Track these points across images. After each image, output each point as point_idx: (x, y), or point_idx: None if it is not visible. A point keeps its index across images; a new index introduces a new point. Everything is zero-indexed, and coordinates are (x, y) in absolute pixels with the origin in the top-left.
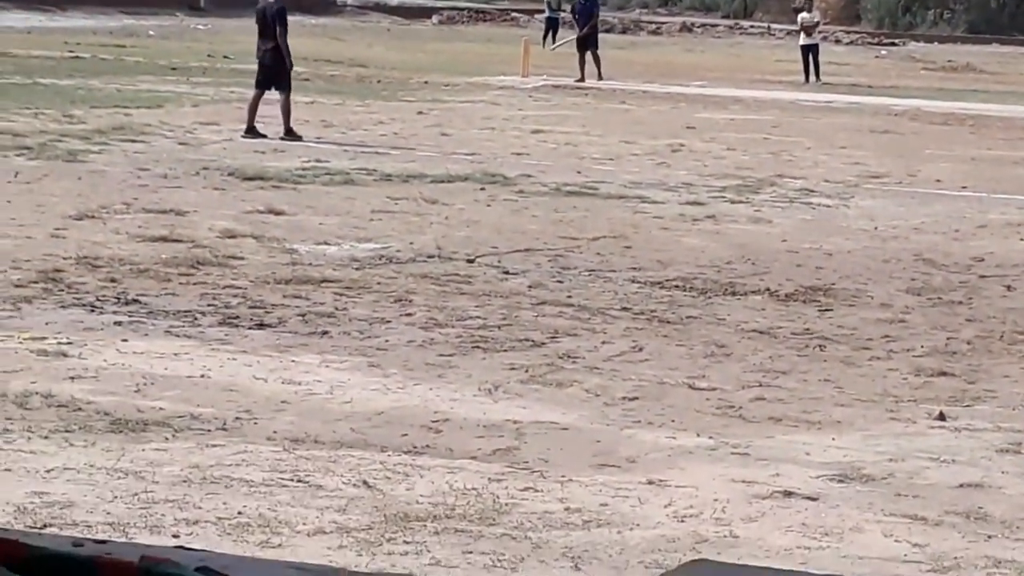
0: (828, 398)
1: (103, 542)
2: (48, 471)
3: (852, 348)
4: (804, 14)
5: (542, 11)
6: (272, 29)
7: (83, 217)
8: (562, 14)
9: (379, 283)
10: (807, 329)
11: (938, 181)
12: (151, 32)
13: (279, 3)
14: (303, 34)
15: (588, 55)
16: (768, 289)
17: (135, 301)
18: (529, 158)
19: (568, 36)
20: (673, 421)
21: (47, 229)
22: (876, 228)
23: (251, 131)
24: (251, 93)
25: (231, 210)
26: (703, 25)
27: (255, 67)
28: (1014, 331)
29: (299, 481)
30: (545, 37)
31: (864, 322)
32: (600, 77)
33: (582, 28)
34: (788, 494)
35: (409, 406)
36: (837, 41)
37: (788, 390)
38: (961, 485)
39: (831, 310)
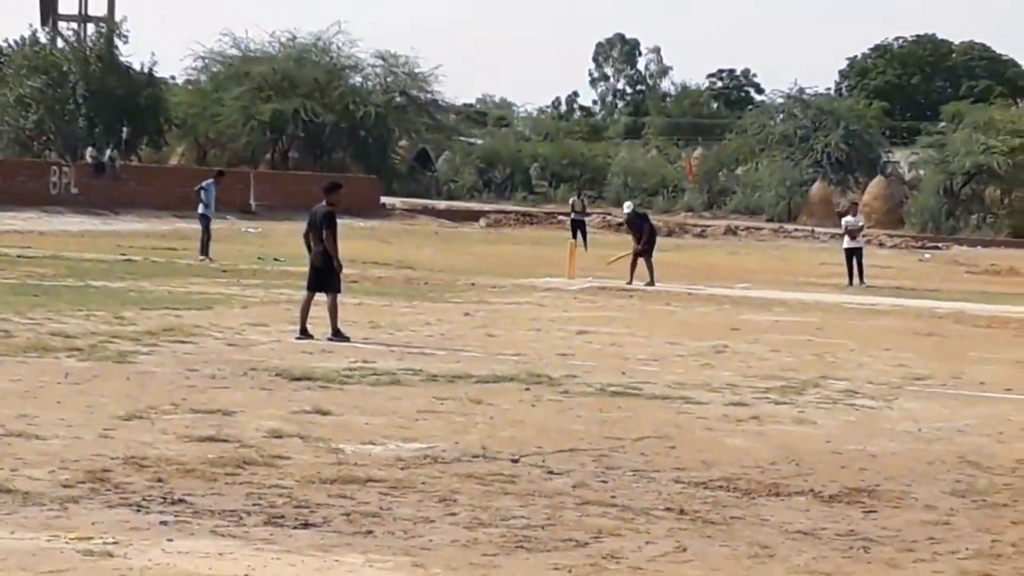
0: None
1: None
2: None
3: (896, 550)
4: (848, 218)
5: (567, 214)
6: (321, 232)
7: (131, 417)
8: (587, 217)
9: (424, 483)
10: (851, 530)
11: (982, 383)
12: None
13: (327, 207)
14: (352, 236)
15: (640, 260)
16: (812, 490)
17: (181, 501)
18: (574, 359)
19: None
20: None
21: (96, 429)
22: (920, 430)
23: (304, 333)
24: (300, 295)
25: (278, 410)
26: (748, 228)
27: (305, 269)
28: None
29: None
30: (574, 237)
31: (908, 524)
32: (652, 283)
33: (637, 242)
34: None
35: None
36: (881, 244)
37: None
38: None
39: (875, 511)
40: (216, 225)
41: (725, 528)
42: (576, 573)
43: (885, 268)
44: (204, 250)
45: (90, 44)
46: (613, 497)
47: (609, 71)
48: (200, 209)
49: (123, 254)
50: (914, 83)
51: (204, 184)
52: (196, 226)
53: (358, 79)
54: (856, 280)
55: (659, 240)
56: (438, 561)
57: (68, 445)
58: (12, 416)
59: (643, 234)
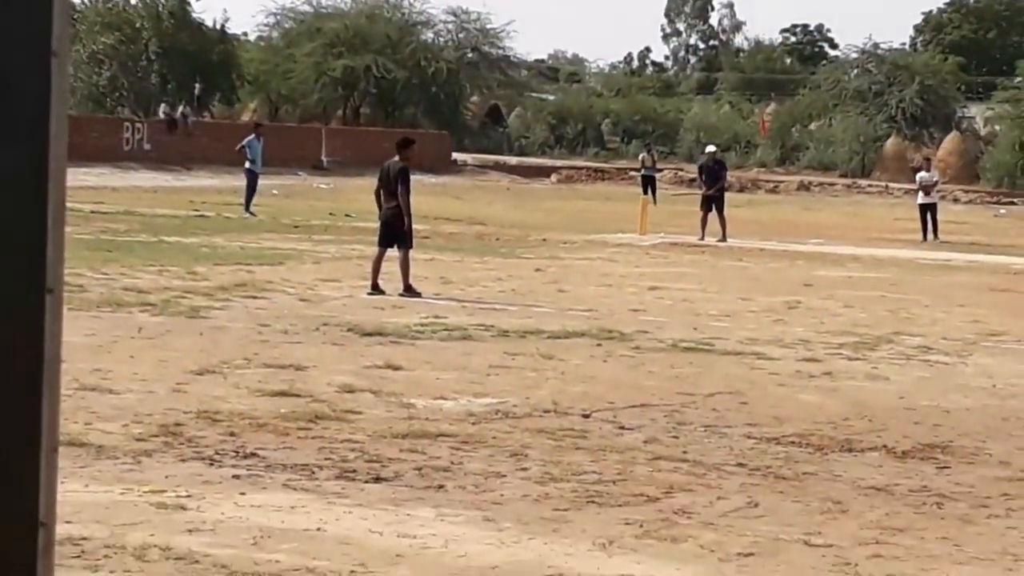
0: (946, 556)
1: None
2: None
3: (970, 506)
4: (922, 173)
5: (637, 169)
6: (394, 187)
7: (204, 372)
8: (657, 173)
9: (495, 438)
10: (924, 486)
11: None
12: (275, 191)
13: (402, 163)
14: (423, 192)
15: (712, 215)
16: (885, 446)
17: (253, 455)
18: (646, 314)
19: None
20: None
21: (168, 384)
22: (995, 386)
23: (375, 288)
24: (372, 251)
25: (350, 365)
26: (821, 184)
27: (376, 225)
28: None
29: None
30: (645, 193)
31: (982, 480)
32: (724, 239)
33: (709, 188)
34: None
35: (524, 561)
36: (955, 200)
37: (905, 548)
38: None
39: (949, 467)
40: (289, 181)
41: (797, 484)
42: (647, 528)
43: (960, 224)
44: (247, 205)
45: (163, 1)
46: (684, 452)
47: (681, 26)
48: (247, 165)
49: (196, 210)
50: (990, 38)
51: (245, 141)
52: (267, 182)
53: (430, 35)
54: (930, 236)
55: (731, 196)
56: (509, 515)
57: (141, 399)
58: (86, 370)
59: (717, 181)
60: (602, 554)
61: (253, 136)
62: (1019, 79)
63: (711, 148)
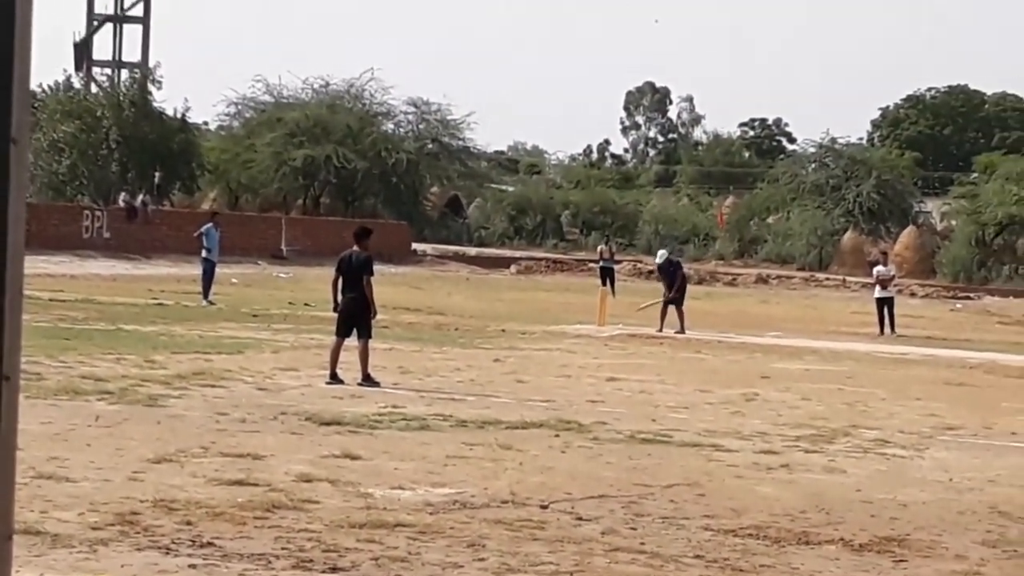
0: None
1: None
2: None
3: None
4: (880, 267)
5: (596, 261)
6: (358, 277)
7: (161, 461)
8: (616, 265)
9: (452, 528)
10: None
11: (1013, 434)
12: (234, 280)
13: (366, 252)
14: (383, 282)
15: (671, 308)
16: (842, 539)
17: (210, 544)
18: (604, 405)
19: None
20: None
21: (125, 472)
22: (951, 480)
23: (334, 378)
24: (331, 340)
25: (307, 454)
26: (779, 277)
27: (334, 314)
28: None
29: None
30: (604, 284)
31: (938, 574)
32: (683, 331)
33: (669, 289)
34: None
35: None
36: (912, 294)
37: None
38: None
39: (906, 561)
40: (248, 270)
41: None
42: None
43: (917, 318)
44: (205, 294)
45: (124, 89)
46: (642, 544)
47: (640, 119)
48: (203, 254)
49: (154, 298)
50: (946, 133)
51: (203, 229)
52: (227, 271)
53: (390, 126)
54: (887, 329)
55: (690, 288)
56: None
57: (98, 488)
58: (43, 458)
59: (675, 281)
60: None
61: (211, 224)
62: (975, 175)
63: (662, 253)
